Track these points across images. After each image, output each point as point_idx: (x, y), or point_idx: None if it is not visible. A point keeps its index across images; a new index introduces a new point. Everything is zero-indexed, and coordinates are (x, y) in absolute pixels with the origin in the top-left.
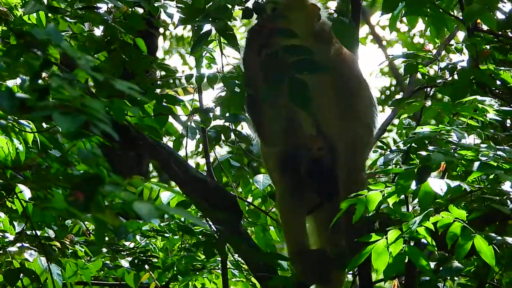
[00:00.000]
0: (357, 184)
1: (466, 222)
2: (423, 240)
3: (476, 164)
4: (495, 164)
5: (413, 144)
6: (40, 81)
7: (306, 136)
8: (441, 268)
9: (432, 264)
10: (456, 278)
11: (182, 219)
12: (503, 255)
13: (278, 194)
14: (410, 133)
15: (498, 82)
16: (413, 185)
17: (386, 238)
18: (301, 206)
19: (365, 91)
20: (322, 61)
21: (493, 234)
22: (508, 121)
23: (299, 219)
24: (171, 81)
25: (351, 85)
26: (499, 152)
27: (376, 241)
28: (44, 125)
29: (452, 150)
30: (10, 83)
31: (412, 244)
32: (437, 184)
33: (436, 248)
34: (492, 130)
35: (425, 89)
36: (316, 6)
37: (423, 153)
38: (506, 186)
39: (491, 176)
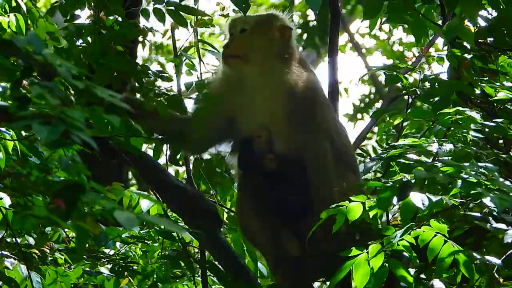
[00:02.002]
0: (325, 201)
1: (448, 237)
2: (404, 253)
3: (459, 182)
4: (476, 180)
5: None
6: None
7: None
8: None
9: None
10: None
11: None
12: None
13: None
14: (390, 141)
15: (478, 92)
16: (395, 201)
17: (367, 252)
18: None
19: (329, 111)
20: (283, 81)
21: (474, 254)
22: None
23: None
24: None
25: (311, 107)
26: (481, 170)
27: (356, 255)
28: (24, 133)
29: (433, 162)
30: None
31: (392, 257)
32: (418, 198)
33: (418, 261)
34: (474, 148)
35: (405, 97)
36: (287, 27)
37: (403, 160)
38: (486, 200)
39: (472, 192)
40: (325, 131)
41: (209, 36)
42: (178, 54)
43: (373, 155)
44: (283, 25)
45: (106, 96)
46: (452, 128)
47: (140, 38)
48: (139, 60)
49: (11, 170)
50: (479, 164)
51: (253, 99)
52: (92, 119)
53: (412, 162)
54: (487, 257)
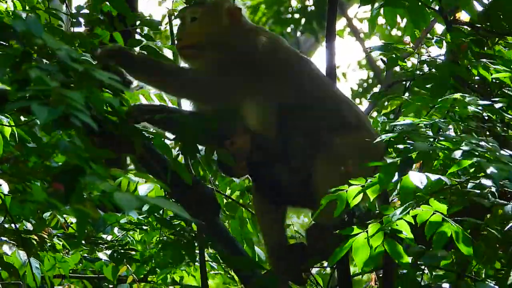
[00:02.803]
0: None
1: (446, 215)
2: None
3: (458, 152)
4: (476, 153)
5: (391, 139)
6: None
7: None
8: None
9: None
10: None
11: (161, 212)
12: (482, 248)
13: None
14: (389, 125)
15: (477, 78)
16: (395, 178)
17: (367, 231)
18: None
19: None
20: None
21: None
22: (486, 116)
23: (272, 217)
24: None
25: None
26: (480, 143)
27: (356, 234)
28: (22, 118)
29: (432, 144)
30: None
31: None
32: (417, 177)
33: (414, 242)
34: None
35: (403, 83)
36: (236, 8)
37: (401, 146)
38: (485, 181)
39: (471, 170)
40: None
41: None
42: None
43: None
44: (231, 7)
45: (105, 78)
46: (451, 114)
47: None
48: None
49: (10, 155)
50: (479, 137)
51: None
52: (91, 101)
53: (410, 147)
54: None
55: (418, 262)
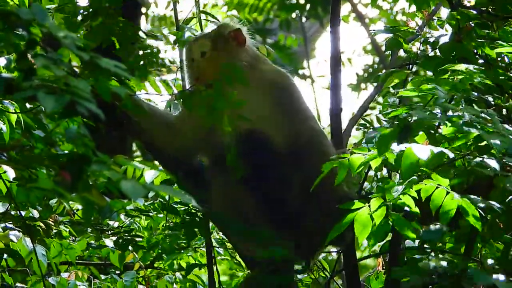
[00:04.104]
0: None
1: (449, 189)
2: (406, 209)
3: (460, 122)
4: (479, 126)
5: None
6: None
7: None
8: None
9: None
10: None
11: (167, 197)
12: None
13: None
14: (390, 97)
15: (481, 61)
16: (395, 146)
17: (369, 206)
18: None
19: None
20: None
21: (475, 197)
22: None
23: None
24: (154, 60)
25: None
26: (482, 115)
27: (357, 209)
28: (28, 105)
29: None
30: None
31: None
32: (420, 149)
33: (420, 215)
34: (476, 94)
35: (408, 66)
36: (238, 30)
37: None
38: (489, 161)
39: (472, 147)
40: (311, 117)
41: (212, 7)
42: (180, 26)
43: (376, 125)
44: (233, 31)
45: (111, 67)
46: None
47: (143, 10)
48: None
49: (16, 143)
50: (481, 110)
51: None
52: (97, 90)
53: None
54: (491, 202)
55: (425, 246)
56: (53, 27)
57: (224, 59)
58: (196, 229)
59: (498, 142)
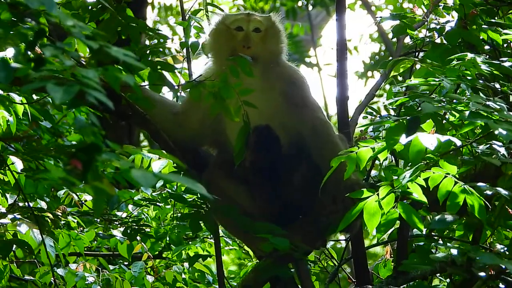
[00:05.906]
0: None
1: (457, 177)
2: (414, 195)
3: (467, 113)
4: (485, 114)
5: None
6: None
7: None
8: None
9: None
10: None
11: (174, 187)
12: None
13: None
14: (395, 86)
15: (487, 47)
16: (403, 139)
17: (377, 194)
18: None
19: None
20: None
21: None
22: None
23: None
24: (161, 49)
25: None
26: (488, 103)
27: (367, 197)
28: (34, 96)
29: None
30: None
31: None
32: (427, 138)
33: (427, 204)
34: (481, 81)
35: (414, 53)
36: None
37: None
38: (496, 145)
39: (479, 135)
40: (318, 108)
41: None
42: (186, 17)
43: (383, 113)
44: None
45: (120, 55)
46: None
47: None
48: (149, 22)
49: (23, 134)
50: (487, 98)
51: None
52: (106, 79)
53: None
54: (498, 189)
55: (432, 233)
56: (62, 16)
57: (273, 43)
58: (201, 222)
59: (504, 132)
